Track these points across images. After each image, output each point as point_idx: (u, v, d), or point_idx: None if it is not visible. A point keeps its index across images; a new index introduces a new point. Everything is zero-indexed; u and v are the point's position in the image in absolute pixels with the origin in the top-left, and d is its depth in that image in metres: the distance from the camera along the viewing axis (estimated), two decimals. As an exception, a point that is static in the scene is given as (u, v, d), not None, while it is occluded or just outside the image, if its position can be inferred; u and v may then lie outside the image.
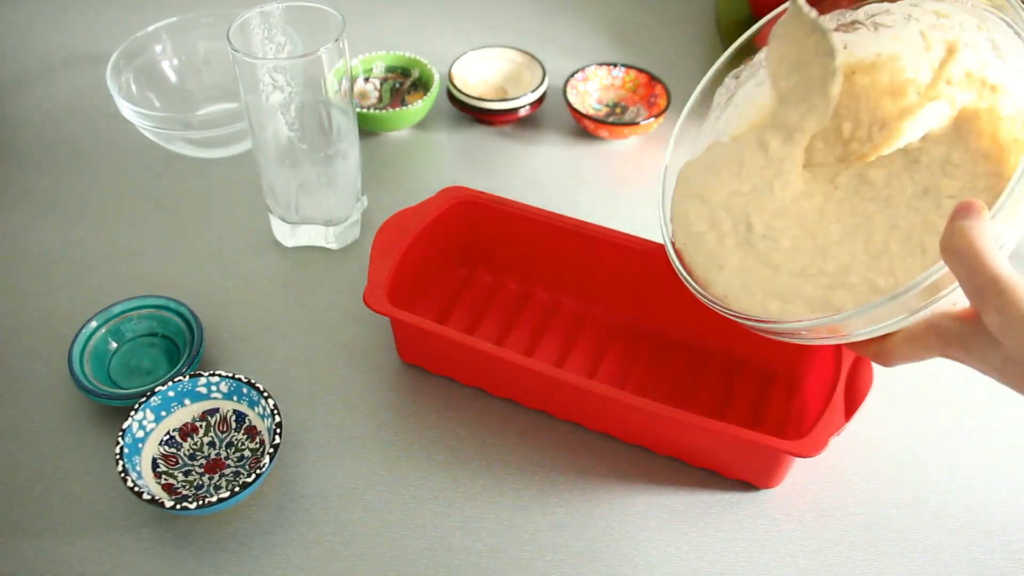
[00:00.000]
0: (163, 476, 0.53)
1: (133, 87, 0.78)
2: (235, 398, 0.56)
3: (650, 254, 0.60)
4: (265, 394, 0.54)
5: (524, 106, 0.80)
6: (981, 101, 0.45)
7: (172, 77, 0.81)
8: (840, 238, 0.47)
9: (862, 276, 0.45)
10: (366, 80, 0.84)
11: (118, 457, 0.51)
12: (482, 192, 0.64)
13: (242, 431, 0.56)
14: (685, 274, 0.50)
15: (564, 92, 0.81)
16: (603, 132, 0.79)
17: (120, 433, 0.52)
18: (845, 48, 0.49)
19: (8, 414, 0.58)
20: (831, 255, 0.46)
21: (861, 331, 0.41)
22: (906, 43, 0.48)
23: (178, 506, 0.49)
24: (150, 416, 0.54)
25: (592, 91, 0.84)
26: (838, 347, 0.53)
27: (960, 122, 0.45)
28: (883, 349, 0.43)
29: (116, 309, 0.61)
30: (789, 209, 0.49)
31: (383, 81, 0.85)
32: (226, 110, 0.71)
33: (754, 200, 0.50)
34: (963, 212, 0.36)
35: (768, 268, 0.47)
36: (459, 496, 0.55)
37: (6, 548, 0.51)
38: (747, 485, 0.55)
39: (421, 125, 0.82)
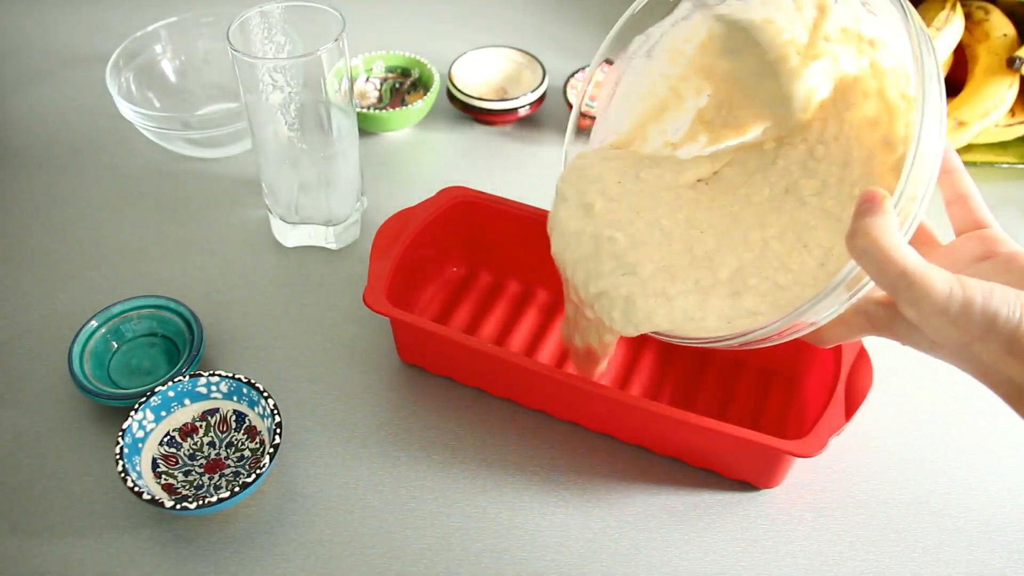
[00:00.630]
0: (163, 476, 0.53)
1: (133, 87, 0.78)
2: (235, 398, 0.56)
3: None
4: (265, 394, 0.54)
5: (524, 106, 0.80)
6: (862, 56, 0.44)
7: (172, 77, 0.81)
8: (717, 243, 0.45)
9: (760, 276, 0.43)
10: (366, 80, 0.84)
11: (118, 457, 0.51)
12: (482, 192, 0.64)
13: (242, 431, 0.56)
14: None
15: (564, 92, 0.81)
16: (603, 132, 0.79)
17: (120, 433, 0.52)
18: (718, 20, 0.48)
19: (8, 414, 0.58)
20: (718, 263, 0.44)
21: (807, 326, 0.41)
22: (776, 6, 0.46)
23: (178, 506, 0.49)
24: (150, 416, 0.54)
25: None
26: (838, 347, 0.54)
27: (841, 91, 0.44)
28: (816, 334, 0.42)
29: (116, 309, 0.61)
30: (648, 235, 0.46)
31: (383, 81, 0.85)
32: (226, 110, 0.71)
33: (602, 251, 0.47)
34: (865, 207, 0.35)
35: (658, 297, 0.45)
36: (459, 496, 0.55)
37: (6, 548, 0.51)
38: (747, 485, 0.55)
39: (421, 125, 0.82)
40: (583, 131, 0.54)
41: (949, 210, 0.44)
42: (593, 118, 0.77)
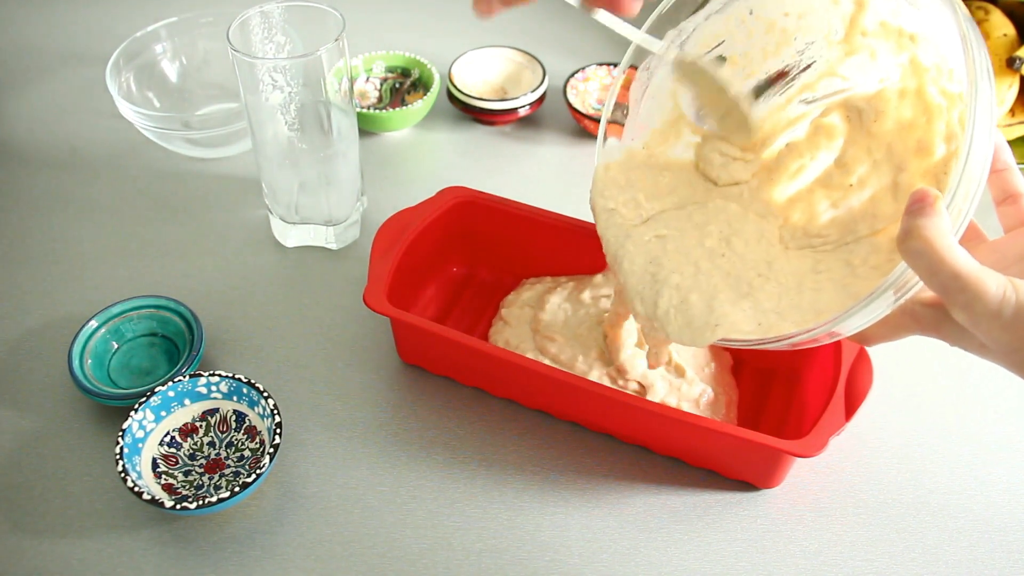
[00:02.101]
0: (163, 476, 0.53)
1: (133, 87, 0.78)
2: (235, 398, 0.56)
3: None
4: (265, 394, 0.54)
5: (524, 106, 0.80)
6: (901, 52, 0.43)
7: (172, 77, 0.81)
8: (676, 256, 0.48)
9: (765, 278, 0.44)
10: (366, 80, 0.84)
11: (118, 457, 0.51)
12: (482, 192, 0.64)
13: (242, 431, 0.56)
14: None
15: (564, 92, 0.81)
16: (603, 132, 0.79)
17: (120, 433, 0.52)
18: (751, 14, 0.47)
19: (8, 414, 0.58)
20: (714, 276, 0.46)
21: (845, 332, 0.41)
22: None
23: (178, 506, 0.49)
24: (150, 416, 0.54)
25: (592, 91, 0.84)
26: (838, 347, 0.54)
27: (869, 100, 0.44)
28: (861, 334, 0.42)
29: (116, 309, 0.61)
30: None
31: (383, 81, 0.85)
32: (226, 110, 0.72)
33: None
34: (916, 208, 0.34)
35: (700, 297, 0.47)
36: (459, 496, 0.55)
37: (6, 548, 0.51)
38: (747, 485, 0.55)
39: (421, 125, 0.82)
40: (610, 134, 0.54)
41: (999, 210, 0.42)
42: (596, 120, 0.77)
